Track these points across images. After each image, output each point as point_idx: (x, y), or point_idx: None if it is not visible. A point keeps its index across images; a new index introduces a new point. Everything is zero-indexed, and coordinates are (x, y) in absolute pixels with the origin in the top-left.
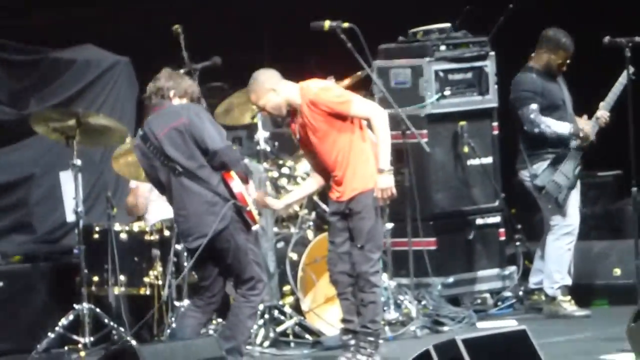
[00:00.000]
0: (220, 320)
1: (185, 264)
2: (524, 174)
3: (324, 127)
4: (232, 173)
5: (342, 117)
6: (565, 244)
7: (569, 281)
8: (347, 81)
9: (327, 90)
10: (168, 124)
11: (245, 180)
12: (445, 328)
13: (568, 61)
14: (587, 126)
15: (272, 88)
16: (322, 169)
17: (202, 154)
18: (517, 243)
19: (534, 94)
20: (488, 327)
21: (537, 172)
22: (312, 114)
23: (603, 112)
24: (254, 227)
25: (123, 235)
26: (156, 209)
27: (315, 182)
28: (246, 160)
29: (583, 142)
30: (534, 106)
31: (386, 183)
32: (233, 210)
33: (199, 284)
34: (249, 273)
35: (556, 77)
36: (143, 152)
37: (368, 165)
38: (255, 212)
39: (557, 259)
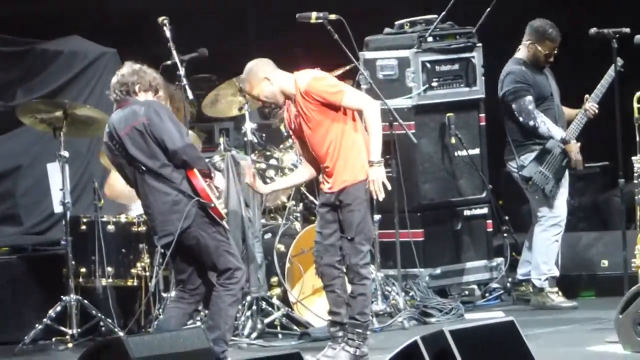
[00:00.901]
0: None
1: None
2: (512, 165)
3: (317, 117)
4: (196, 170)
5: (335, 108)
6: (553, 235)
7: (556, 272)
8: (335, 73)
9: (320, 80)
10: (129, 123)
11: (208, 176)
12: (433, 319)
13: (555, 52)
14: (578, 155)
15: (265, 77)
16: (314, 159)
17: (164, 153)
18: (505, 234)
19: (527, 85)
20: (476, 318)
21: (524, 163)
22: (305, 103)
23: (591, 104)
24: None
25: (110, 227)
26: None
27: (305, 172)
28: (233, 152)
29: (570, 164)
30: (529, 98)
31: (377, 175)
32: (197, 207)
33: (176, 277)
34: (224, 264)
35: (543, 69)
36: (110, 149)
37: (359, 157)
38: (220, 207)
39: (544, 250)
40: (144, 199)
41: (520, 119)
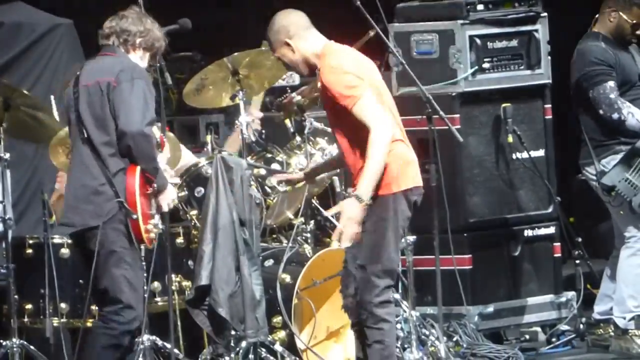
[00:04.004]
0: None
1: (145, 287)
2: (589, 172)
3: (339, 108)
4: (139, 169)
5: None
6: None
7: None
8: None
9: (337, 74)
10: (96, 76)
11: (149, 181)
12: None
13: None
14: None
15: (285, 42)
16: (340, 151)
17: (116, 129)
18: (577, 261)
19: (608, 67)
20: None
21: (605, 169)
22: (323, 89)
23: None
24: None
25: (64, 251)
26: None
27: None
28: (224, 154)
29: None
30: (611, 83)
31: (350, 213)
32: (119, 209)
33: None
34: (117, 293)
35: (629, 45)
36: (68, 97)
37: (391, 166)
38: (145, 228)
39: (632, 281)
40: (68, 172)
41: (601, 111)
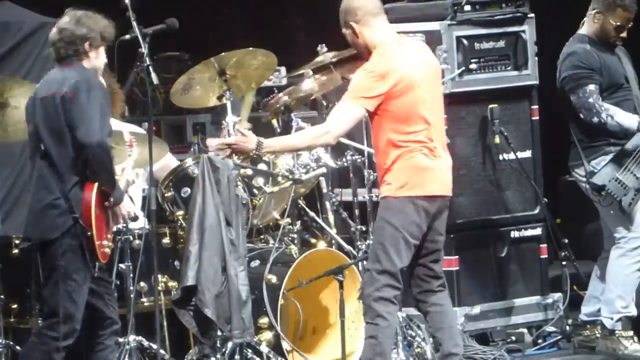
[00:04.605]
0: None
1: (131, 287)
2: (579, 174)
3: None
4: (96, 185)
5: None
6: (634, 262)
7: (634, 312)
8: (344, 54)
9: (361, 75)
10: (52, 89)
11: (106, 195)
12: None
13: (629, 24)
14: None
15: (351, 25)
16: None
17: (72, 141)
18: (564, 262)
19: (590, 71)
20: None
21: (595, 169)
22: None
23: None
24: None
25: None
26: None
27: None
28: (210, 154)
29: None
30: (592, 87)
31: (243, 143)
32: (74, 224)
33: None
34: (56, 307)
35: (614, 47)
36: (27, 111)
37: (409, 173)
38: (97, 244)
39: (621, 281)
40: (30, 184)
41: (581, 115)
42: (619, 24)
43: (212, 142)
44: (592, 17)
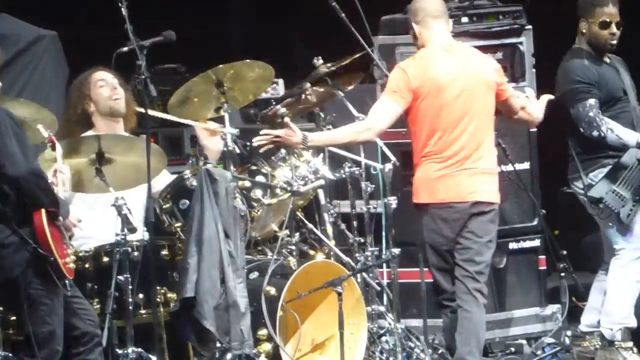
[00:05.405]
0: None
1: (130, 299)
2: (577, 186)
3: None
4: (43, 211)
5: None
6: (634, 274)
7: (633, 323)
8: (344, 62)
9: (394, 72)
10: None
11: (55, 215)
12: None
13: (616, 22)
14: None
15: (414, 24)
16: None
17: (4, 180)
18: (562, 274)
19: (589, 85)
20: None
21: (593, 182)
22: None
23: None
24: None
25: None
26: (92, 228)
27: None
28: (209, 166)
29: None
30: (592, 101)
31: (290, 137)
32: (35, 256)
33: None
34: (32, 332)
35: (604, 55)
36: None
37: (426, 181)
38: (61, 262)
39: (620, 292)
40: None
41: (581, 129)
42: (602, 20)
43: (213, 126)
44: (580, 29)
